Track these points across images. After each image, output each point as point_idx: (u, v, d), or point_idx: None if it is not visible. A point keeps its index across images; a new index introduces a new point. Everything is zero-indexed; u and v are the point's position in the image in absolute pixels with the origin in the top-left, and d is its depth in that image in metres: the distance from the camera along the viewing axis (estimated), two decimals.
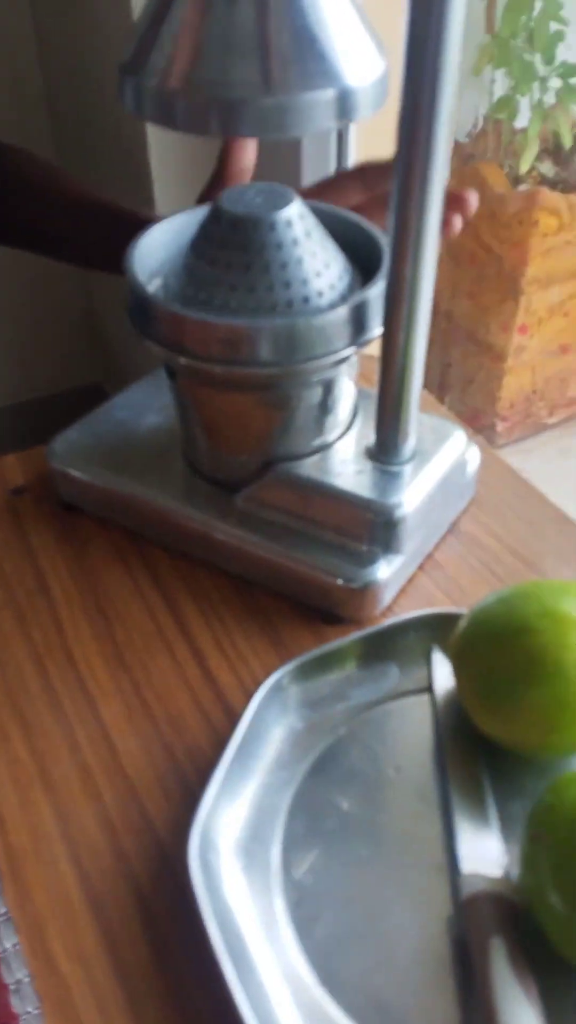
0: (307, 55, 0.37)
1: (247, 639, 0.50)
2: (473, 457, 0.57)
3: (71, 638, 0.50)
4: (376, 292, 0.47)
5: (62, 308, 1.02)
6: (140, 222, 0.55)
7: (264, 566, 0.52)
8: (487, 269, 1.48)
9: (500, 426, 1.64)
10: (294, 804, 0.42)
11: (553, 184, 1.47)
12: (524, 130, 1.41)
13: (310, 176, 0.67)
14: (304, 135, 0.38)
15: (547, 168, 1.48)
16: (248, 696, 0.46)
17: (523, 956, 0.34)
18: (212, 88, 0.37)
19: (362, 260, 0.51)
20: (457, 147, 1.49)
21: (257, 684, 0.46)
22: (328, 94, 0.37)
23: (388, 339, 0.46)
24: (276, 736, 0.44)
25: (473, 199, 0.56)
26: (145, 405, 0.60)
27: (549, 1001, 0.33)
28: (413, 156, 0.40)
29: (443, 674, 0.46)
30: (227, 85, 0.37)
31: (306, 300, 0.47)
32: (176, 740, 0.45)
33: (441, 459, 0.53)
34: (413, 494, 0.50)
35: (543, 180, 1.47)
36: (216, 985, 0.34)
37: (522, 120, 1.45)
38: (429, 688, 0.46)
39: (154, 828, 0.42)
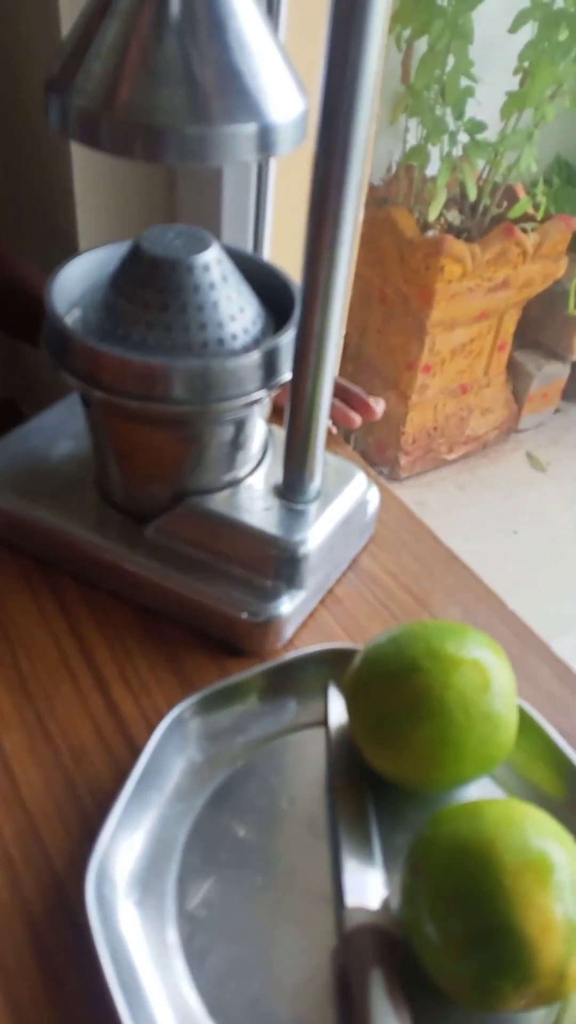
0: (231, 89, 0.38)
1: (151, 670, 0.51)
2: (373, 497, 0.60)
3: None
4: (287, 339, 0.49)
5: None
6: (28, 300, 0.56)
7: (171, 598, 0.53)
8: (395, 309, 1.54)
9: (403, 460, 1.69)
10: (191, 836, 0.43)
11: (459, 232, 1.54)
12: (435, 178, 1.48)
13: (230, 215, 0.69)
14: (224, 164, 0.39)
15: (454, 216, 1.55)
16: (150, 727, 0.46)
17: (399, 987, 0.36)
18: (138, 113, 0.37)
19: (275, 305, 0.53)
20: (371, 190, 1.55)
21: (159, 715, 0.47)
22: (250, 128, 0.38)
23: (296, 384, 0.48)
24: (176, 768, 0.45)
25: (379, 409, 0.64)
26: (59, 431, 0.61)
27: None
28: (325, 199, 0.41)
29: (337, 709, 0.48)
30: (153, 111, 0.37)
31: (221, 342, 0.48)
32: (77, 772, 0.46)
33: (344, 499, 0.55)
34: (317, 532, 0.52)
35: (450, 228, 1.54)
36: (107, 1018, 0.35)
37: (433, 168, 1.52)
38: (324, 722, 0.48)
39: (52, 862, 0.42)
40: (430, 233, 1.49)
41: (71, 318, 0.52)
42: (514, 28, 1.33)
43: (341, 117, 0.39)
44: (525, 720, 0.47)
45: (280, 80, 0.39)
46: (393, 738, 0.42)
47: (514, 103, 1.35)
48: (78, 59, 0.39)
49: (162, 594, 0.53)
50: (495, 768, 0.44)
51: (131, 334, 0.48)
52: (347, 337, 1.89)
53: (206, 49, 0.38)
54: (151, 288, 0.48)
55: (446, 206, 1.53)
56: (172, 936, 0.39)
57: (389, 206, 1.51)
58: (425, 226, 1.50)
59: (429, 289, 1.44)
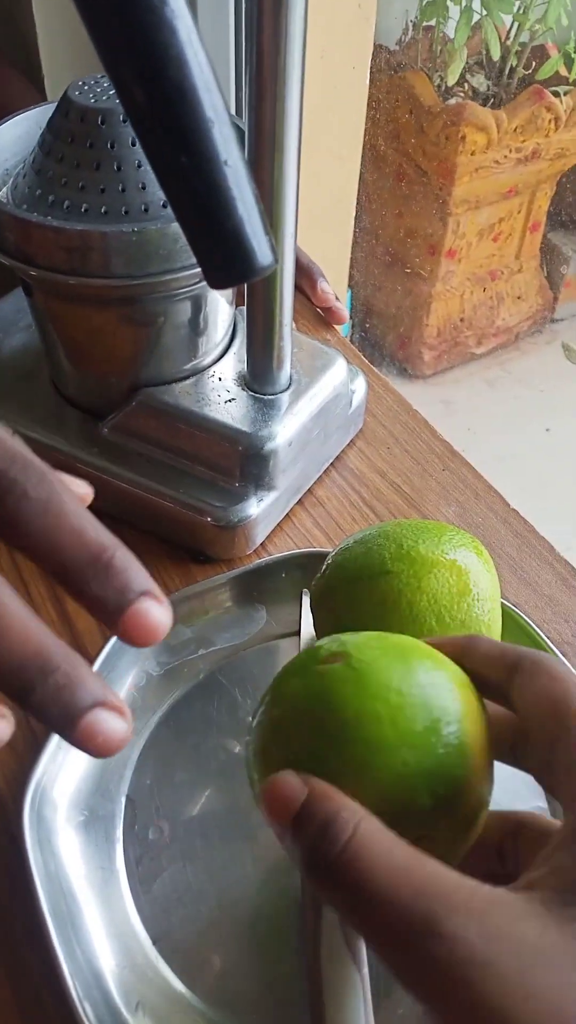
0: None
1: None
2: (359, 387, 0.54)
3: None
4: None
5: None
6: None
7: (130, 501, 0.48)
8: (415, 188, 1.42)
9: (427, 355, 1.60)
10: (143, 755, 0.40)
11: (484, 99, 1.41)
12: (454, 39, 1.34)
13: None
14: None
15: (478, 81, 1.41)
16: (105, 641, 0.43)
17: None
18: None
19: None
20: (385, 55, 1.41)
21: None
22: None
23: None
24: (128, 682, 0.42)
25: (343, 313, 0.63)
26: (11, 322, 0.56)
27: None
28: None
29: (310, 619, 0.44)
30: None
31: (164, 205, 0.42)
32: None
33: (320, 388, 0.49)
34: (287, 426, 0.47)
35: (474, 94, 1.41)
36: (43, 943, 0.32)
37: (454, 28, 1.37)
38: (297, 633, 0.44)
39: None
40: (451, 101, 1.36)
41: (4, 190, 0.46)
42: None
43: None
44: (517, 628, 0.43)
45: None
46: None
47: None
48: None
49: (121, 497, 0.48)
50: None
51: (63, 199, 0.42)
52: (362, 221, 1.77)
53: None
54: (80, 144, 0.41)
55: (469, 70, 1.39)
56: (118, 861, 0.36)
57: (405, 72, 1.38)
58: (446, 93, 1.37)
59: (450, 163, 1.33)
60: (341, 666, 0.27)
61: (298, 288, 0.63)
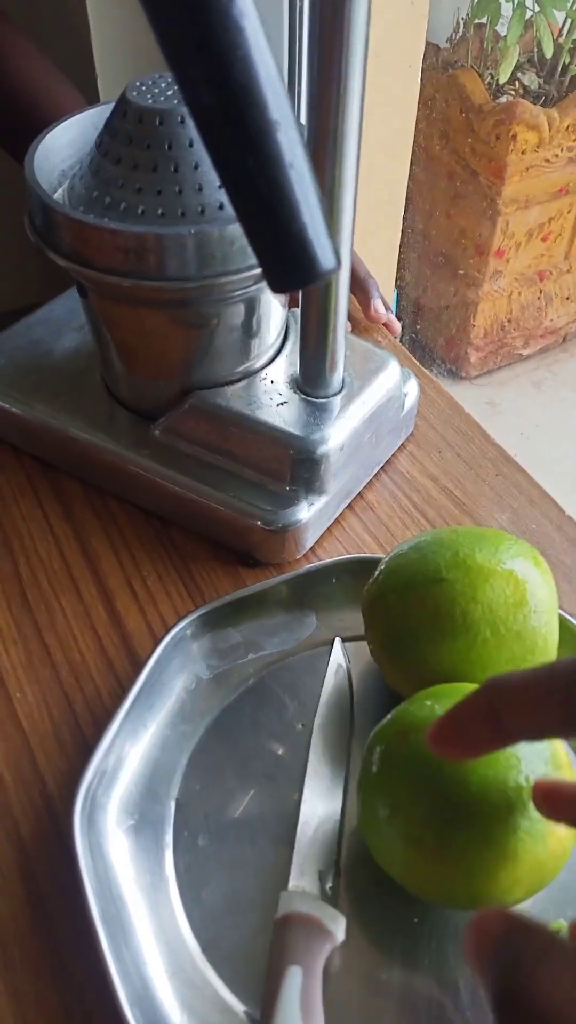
0: None
1: (159, 579, 0.47)
2: (412, 390, 0.54)
3: None
4: None
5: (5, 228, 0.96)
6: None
7: (180, 503, 0.48)
8: (464, 187, 1.40)
9: (473, 356, 1.58)
10: (193, 760, 0.39)
11: (536, 97, 1.38)
12: (506, 36, 1.32)
13: None
14: None
15: (531, 79, 1.39)
16: (156, 641, 0.43)
17: (318, 989, 0.31)
18: None
19: None
20: (436, 52, 1.39)
21: (166, 628, 0.44)
22: None
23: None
24: (179, 686, 0.41)
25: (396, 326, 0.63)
26: (65, 322, 0.56)
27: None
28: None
29: (338, 659, 0.43)
30: None
31: (221, 207, 0.42)
32: (75, 689, 0.43)
33: (373, 391, 0.49)
34: (339, 430, 0.46)
35: (526, 92, 1.39)
36: (91, 949, 0.32)
37: (506, 25, 1.35)
38: (344, 639, 0.44)
39: (44, 783, 0.39)
40: (502, 99, 1.34)
41: (61, 190, 0.46)
42: None
43: None
44: (574, 639, 0.41)
45: None
46: (411, 656, 0.37)
47: None
48: None
49: (171, 499, 0.48)
50: None
51: (120, 200, 0.42)
52: (412, 221, 1.75)
53: None
54: (138, 145, 0.41)
55: (521, 68, 1.37)
56: (167, 866, 0.36)
57: (456, 70, 1.36)
58: (497, 91, 1.35)
59: (500, 162, 1.31)
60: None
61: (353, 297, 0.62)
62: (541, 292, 1.55)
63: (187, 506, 0.48)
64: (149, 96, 0.41)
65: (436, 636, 0.36)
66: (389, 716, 0.35)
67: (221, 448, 0.48)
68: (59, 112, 0.55)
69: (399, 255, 1.22)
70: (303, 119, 0.38)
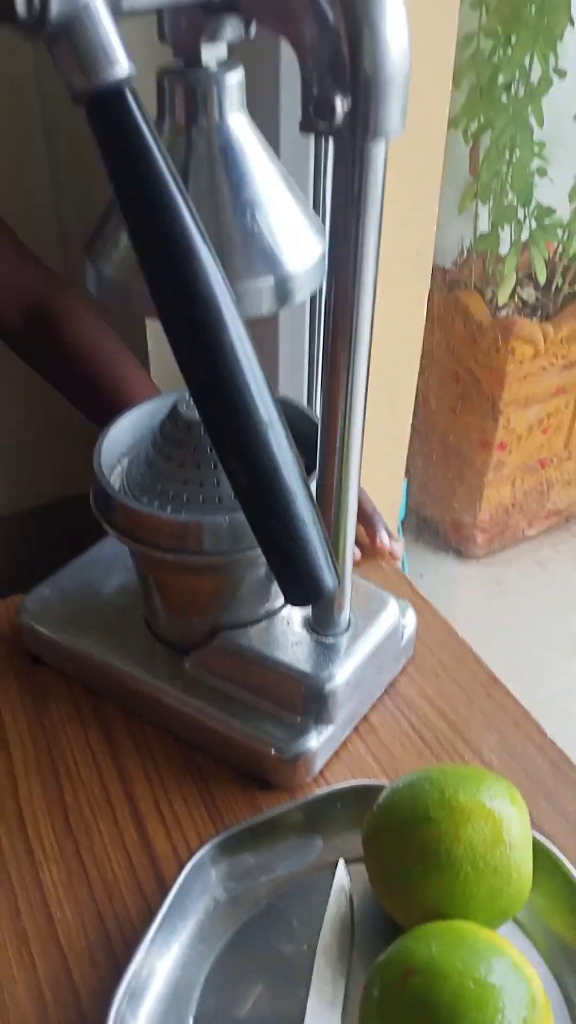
0: (251, 247, 0.40)
1: (184, 803, 0.53)
2: (410, 621, 0.61)
3: (24, 798, 0.54)
4: (312, 486, 0.52)
5: (63, 420, 1.09)
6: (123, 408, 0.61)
7: (206, 731, 0.55)
8: (468, 389, 1.55)
9: (479, 538, 1.68)
10: (209, 979, 0.45)
11: (534, 309, 1.54)
12: (508, 253, 1.49)
13: (287, 363, 0.73)
14: (247, 316, 0.41)
15: (528, 294, 1.55)
16: (180, 864, 0.49)
17: None
18: None
19: (308, 443, 0.55)
20: (442, 273, 1.57)
21: (189, 852, 0.50)
22: (268, 281, 0.41)
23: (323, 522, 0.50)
24: (200, 909, 0.47)
25: (398, 550, 0.71)
26: (112, 562, 0.65)
27: None
28: (335, 346, 0.43)
29: (342, 880, 0.49)
30: None
31: None
32: (108, 908, 0.48)
33: (375, 630, 0.57)
34: (345, 667, 0.54)
35: (524, 305, 1.55)
36: None
37: (506, 247, 1.53)
38: (348, 861, 0.49)
39: (80, 1001, 0.44)
40: (503, 312, 1.50)
41: (118, 469, 0.56)
42: None
43: (348, 291, 0.41)
44: (549, 861, 0.47)
45: (296, 229, 0.42)
46: (402, 887, 0.43)
47: None
48: (109, 230, 0.42)
49: (198, 727, 0.55)
50: (508, 919, 0.44)
51: (168, 489, 0.52)
52: (422, 414, 1.90)
53: (227, 214, 0.41)
54: (186, 448, 0.51)
55: (520, 283, 1.54)
56: None
57: (460, 290, 1.53)
58: (497, 307, 1.51)
59: (501, 371, 1.45)
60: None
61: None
62: (543, 478, 1.67)
63: (211, 734, 0.55)
64: (194, 408, 0.52)
65: (424, 871, 0.42)
66: (390, 950, 0.40)
67: (243, 682, 0.55)
68: (130, 396, 0.67)
69: (410, 444, 1.34)
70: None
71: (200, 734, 0.56)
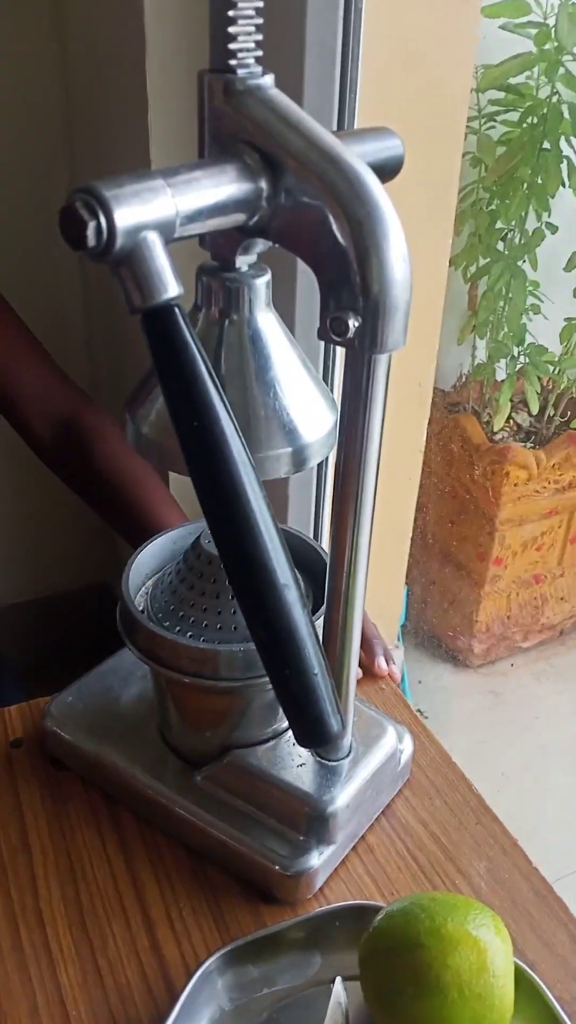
0: (272, 422, 0.47)
1: (193, 913, 0.57)
2: (407, 746, 0.66)
3: (43, 899, 0.57)
4: (320, 621, 0.57)
5: (76, 511, 1.16)
6: (150, 528, 0.67)
7: (214, 843, 0.59)
8: (465, 505, 1.62)
9: (476, 647, 1.73)
10: None
11: (528, 434, 1.64)
12: (502, 384, 1.59)
13: (296, 501, 0.81)
14: (265, 479, 0.48)
15: (523, 418, 1.65)
16: (187, 972, 0.52)
17: None
18: None
19: (315, 572, 0.61)
20: (442, 396, 1.67)
21: (196, 959, 0.53)
22: (286, 451, 0.47)
23: (326, 652, 0.55)
24: (205, 1016, 0.50)
25: (396, 674, 0.76)
26: (131, 671, 0.70)
27: None
28: (346, 502, 0.49)
29: (339, 998, 0.52)
30: None
31: None
32: (121, 1011, 0.51)
33: (374, 755, 0.61)
34: (346, 791, 0.58)
35: (519, 429, 1.64)
36: None
37: (501, 375, 1.64)
38: (344, 978, 0.53)
39: None
40: (498, 436, 1.59)
41: (143, 590, 0.62)
42: (568, 268, 1.47)
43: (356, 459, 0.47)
44: (531, 988, 0.50)
45: (312, 405, 0.48)
46: (395, 1008, 0.47)
47: (572, 328, 1.47)
48: (147, 392, 0.49)
49: (207, 839, 0.59)
50: None
51: (189, 615, 0.58)
52: (424, 524, 1.98)
53: (253, 393, 0.48)
54: (206, 579, 0.57)
55: (515, 408, 1.63)
56: None
57: (458, 413, 1.63)
58: (494, 430, 1.61)
59: (496, 491, 1.53)
60: None
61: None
62: (538, 593, 1.72)
63: (219, 846, 0.59)
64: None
65: (415, 994, 0.46)
66: None
67: (251, 799, 0.59)
68: (156, 523, 0.74)
69: (409, 554, 1.40)
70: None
71: (208, 845, 0.59)
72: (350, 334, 0.42)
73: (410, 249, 0.42)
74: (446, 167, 1.10)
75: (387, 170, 0.52)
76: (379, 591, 1.37)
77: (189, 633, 0.57)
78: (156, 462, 0.50)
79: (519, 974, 0.50)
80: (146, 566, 0.63)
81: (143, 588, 0.63)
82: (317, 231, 0.42)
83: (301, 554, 0.63)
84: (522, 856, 0.62)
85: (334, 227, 0.41)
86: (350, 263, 0.41)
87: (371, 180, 0.42)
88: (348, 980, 0.53)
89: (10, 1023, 0.51)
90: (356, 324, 0.42)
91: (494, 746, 1.60)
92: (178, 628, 0.57)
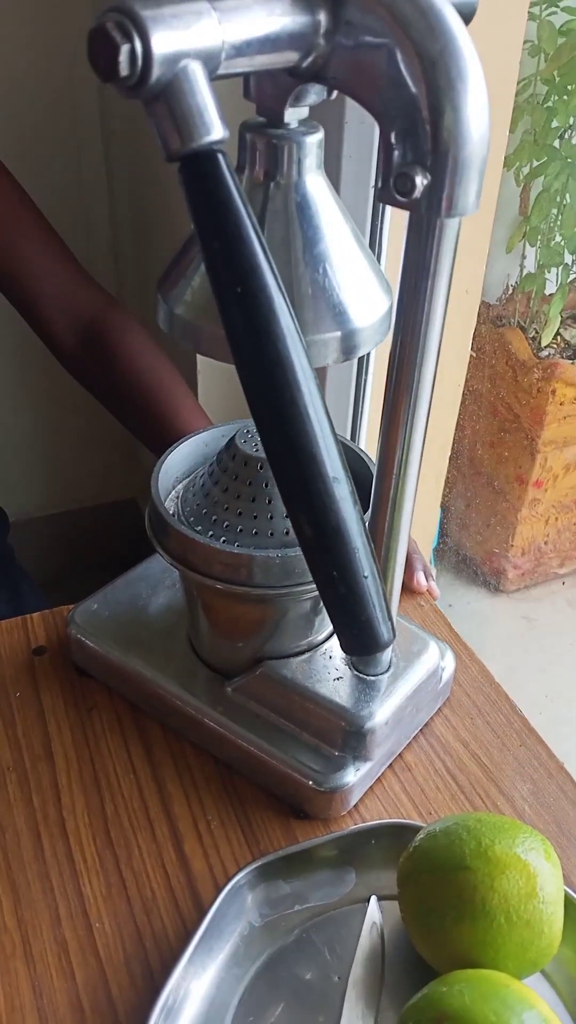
0: (320, 302, 0.42)
1: (222, 826, 0.55)
2: (449, 664, 0.63)
3: (66, 808, 0.55)
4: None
5: (103, 426, 1.13)
6: (175, 436, 0.63)
7: (245, 756, 0.57)
8: (507, 424, 1.56)
9: (511, 572, 1.68)
10: (241, 1003, 0.46)
11: None
12: (552, 296, 1.50)
13: (331, 403, 0.75)
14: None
15: (572, 335, 1.56)
16: (215, 886, 0.50)
17: None
18: None
19: (361, 487, 0.57)
20: (487, 308, 1.59)
21: (225, 874, 0.51)
22: (335, 335, 0.42)
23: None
24: (235, 932, 0.48)
25: (435, 592, 0.72)
26: (160, 579, 0.67)
27: None
28: (399, 390, 0.44)
29: (375, 916, 0.50)
30: None
31: None
32: (146, 924, 0.50)
33: (416, 671, 0.58)
34: (385, 706, 0.55)
35: (567, 346, 1.56)
36: None
37: (552, 286, 1.55)
38: (380, 897, 0.51)
39: (116, 1014, 0.46)
40: (545, 353, 1.51)
41: (174, 493, 0.58)
42: None
43: (414, 344, 0.42)
44: None
45: (365, 285, 0.43)
46: (435, 930, 0.44)
47: None
48: (183, 269, 0.44)
49: (237, 751, 0.57)
50: (537, 971, 0.45)
51: (223, 520, 0.54)
52: (461, 445, 1.92)
53: (299, 268, 0.42)
54: (242, 481, 0.53)
55: (564, 325, 1.55)
56: None
57: (504, 327, 1.55)
58: (540, 346, 1.53)
59: (541, 410, 1.46)
60: None
61: None
62: None
63: (250, 759, 0.56)
64: (254, 444, 0.54)
65: (458, 917, 0.43)
66: (422, 993, 0.41)
67: (284, 712, 0.57)
68: (182, 428, 0.69)
69: (447, 475, 1.35)
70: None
71: (239, 758, 0.57)
72: (416, 193, 0.36)
73: None
74: (506, 53, 1.01)
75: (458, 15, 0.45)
76: (414, 514, 1.32)
77: (223, 538, 0.53)
78: (191, 346, 0.45)
79: (568, 902, 0.47)
80: (176, 468, 0.59)
81: (173, 491, 0.59)
82: (382, 73, 0.36)
83: (349, 464, 0.58)
84: (569, 780, 0.59)
85: (402, 67, 0.36)
86: (420, 109, 0.36)
87: (448, 12, 0.36)
88: (384, 899, 0.51)
89: (32, 933, 0.49)
90: (424, 182, 0.36)
91: (524, 673, 1.57)
92: (211, 533, 0.54)
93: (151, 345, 0.80)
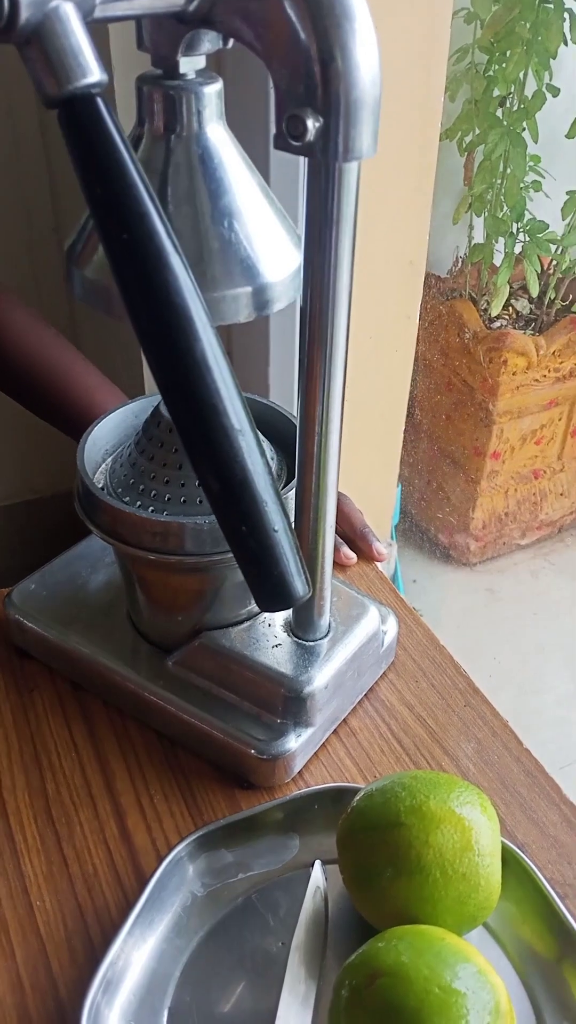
0: (229, 256, 0.41)
1: (165, 799, 0.54)
2: (391, 627, 0.62)
3: (7, 789, 0.54)
4: (292, 492, 0.53)
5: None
6: (79, 414, 0.61)
7: (187, 728, 0.56)
8: (462, 397, 1.56)
9: (473, 545, 1.69)
10: (184, 973, 0.45)
11: (527, 321, 1.56)
12: (502, 264, 1.50)
13: (276, 371, 0.74)
14: (224, 324, 0.41)
15: (523, 305, 1.57)
16: (159, 858, 0.50)
17: None
18: None
19: (289, 445, 0.56)
20: (438, 282, 1.59)
21: (168, 846, 0.50)
22: (246, 291, 0.41)
23: (299, 526, 0.51)
24: (176, 903, 0.48)
25: (387, 553, 0.71)
26: (99, 557, 0.66)
27: None
28: (312, 350, 0.43)
29: (318, 880, 0.50)
30: None
31: None
32: (87, 900, 0.49)
33: (355, 635, 0.57)
34: (324, 671, 0.55)
35: (518, 316, 1.56)
36: None
37: (500, 258, 1.55)
38: (324, 862, 0.50)
39: (57, 990, 0.45)
40: (497, 323, 1.51)
41: (103, 466, 0.57)
42: (571, 134, 1.36)
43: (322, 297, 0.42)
44: (521, 871, 0.48)
45: (275, 239, 0.43)
46: (374, 889, 0.44)
47: (574, 203, 1.38)
48: (89, 233, 0.43)
49: (179, 724, 0.56)
50: (478, 925, 0.45)
51: (151, 489, 0.53)
52: (419, 421, 1.92)
53: (205, 223, 0.41)
54: (168, 448, 0.52)
55: (513, 294, 1.55)
56: None
57: (454, 299, 1.54)
58: (491, 317, 1.53)
59: (494, 381, 1.46)
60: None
61: (348, 540, 0.72)
62: (537, 489, 1.68)
63: (193, 732, 0.56)
64: None
65: (395, 875, 0.43)
66: (359, 952, 0.41)
67: (224, 682, 0.56)
68: (95, 406, 0.67)
69: (404, 450, 1.35)
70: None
71: (182, 731, 0.56)
72: (309, 136, 0.36)
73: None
74: (435, 20, 1.00)
75: None
76: (372, 489, 1.32)
77: (151, 508, 0.52)
78: (102, 310, 0.44)
79: (508, 855, 0.47)
80: (105, 440, 0.58)
81: (104, 465, 0.58)
82: (268, 15, 0.35)
83: (270, 424, 0.58)
84: (512, 737, 0.59)
85: (287, 7, 0.35)
86: (307, 50, 0.35)
87: None
88: (327, 864, 0.50)
89: None
90: (317, 124, 0.36)
91: (490, 644, 1.58)
92: (139, 503, 0.53)
93: (38, 321, 0.76)
